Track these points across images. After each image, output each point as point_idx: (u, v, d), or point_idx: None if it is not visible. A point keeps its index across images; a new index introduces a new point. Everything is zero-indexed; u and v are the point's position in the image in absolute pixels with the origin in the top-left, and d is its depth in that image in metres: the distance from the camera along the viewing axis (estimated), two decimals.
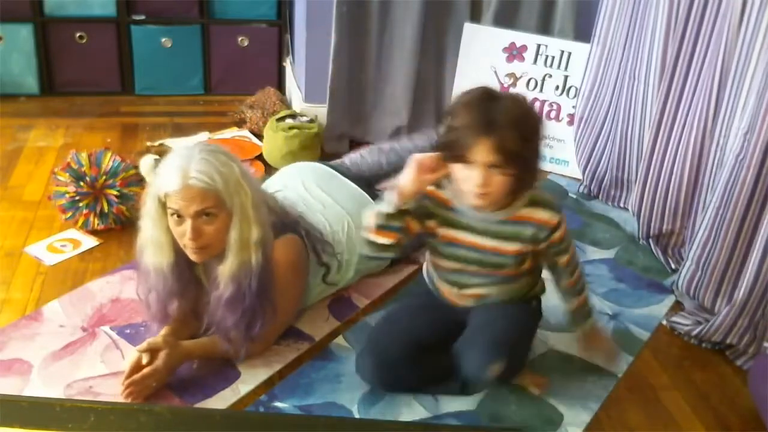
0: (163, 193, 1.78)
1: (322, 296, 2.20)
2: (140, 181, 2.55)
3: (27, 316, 2.09)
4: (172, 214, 1.80)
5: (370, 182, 2.37)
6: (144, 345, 1.84)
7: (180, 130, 3.24)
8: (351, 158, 2.53)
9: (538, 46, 3.08)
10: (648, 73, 2.54)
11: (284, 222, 1.98)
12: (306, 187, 2.26)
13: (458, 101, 1.71)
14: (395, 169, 2.52)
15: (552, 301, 1.98)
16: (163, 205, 1.81)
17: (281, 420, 1.33)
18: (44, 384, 1.86)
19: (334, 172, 2.37)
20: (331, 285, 2.19)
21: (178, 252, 1.86)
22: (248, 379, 1.91)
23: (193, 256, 1.85)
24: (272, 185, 2.30)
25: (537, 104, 3.12)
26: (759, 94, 1.97)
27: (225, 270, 1.83)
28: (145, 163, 2.62)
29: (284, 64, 3.65)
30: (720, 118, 2.24)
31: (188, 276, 1.92)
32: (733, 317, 2.05)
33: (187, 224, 1.78)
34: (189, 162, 1.76)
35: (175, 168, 1.77)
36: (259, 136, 3.16)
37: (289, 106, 3.44)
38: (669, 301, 2.34)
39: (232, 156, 1.85)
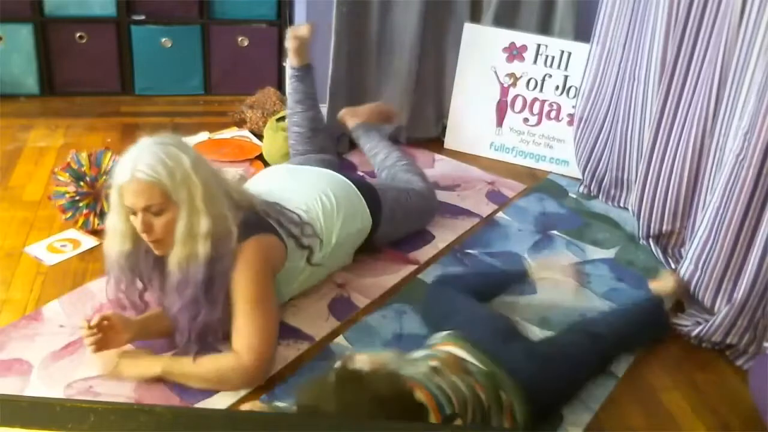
0: (118, 185, 1.81)
1: (312, 280, 2.19)
2: None
3: (27, 316, 2.09)
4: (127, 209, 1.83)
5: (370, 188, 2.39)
6: (96, 320, 1.87)
7: (180, 130, 3.22)
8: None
9: (538, 46, 3.08)
10: (648, 73, 2.54)
11: (258, 218, 1.97)
12: (276, 182, 2.27)
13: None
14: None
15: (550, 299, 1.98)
16: (122, 197, 1.83)
17: (281, 420, 1.32)
18: (44, 384, 1.86)
19: (295, 166, 2.50)
20: (317, 265, 2.14)
21: (139, 241, 1.88)
22: None
23: (154, 250, 1.87)
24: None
25: (537, 104, 3.12)
26: (759, 94, 1.96)
27: (172, 259, 1.84)
28: None
29: (284, 64, 3.65)
30: (720, 117, 2.24)
31: (152, 265, 1.93)
32: (732, 317, 2.05)
33: (138, 218, 1.81)
34: (139, 155, 1.79)
35: (127, 160, 1.80)
36: (259, 136, 3.16)
37: None
38: (669, 301, 2.34)
39: (184, 147, 1.86)
